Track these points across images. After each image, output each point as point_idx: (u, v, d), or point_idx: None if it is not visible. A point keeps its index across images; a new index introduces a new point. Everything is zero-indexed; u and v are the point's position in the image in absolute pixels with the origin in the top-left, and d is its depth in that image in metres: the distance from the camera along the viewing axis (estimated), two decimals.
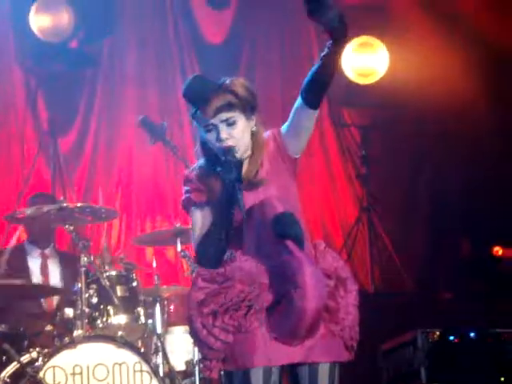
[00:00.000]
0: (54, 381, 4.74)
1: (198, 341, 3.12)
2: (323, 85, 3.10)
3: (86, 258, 5.20)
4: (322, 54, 3.03)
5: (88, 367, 4.83)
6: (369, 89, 7.51)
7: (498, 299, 6.72)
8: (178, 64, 7.58)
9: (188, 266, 5.48)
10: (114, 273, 5.48)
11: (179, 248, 5.47)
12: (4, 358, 4.98)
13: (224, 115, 3.14)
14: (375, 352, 5.96)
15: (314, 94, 3.12)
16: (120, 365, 4.89)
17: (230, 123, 3.14)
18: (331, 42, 2.98)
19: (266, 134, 3.26)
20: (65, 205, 5.21)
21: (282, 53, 7.74)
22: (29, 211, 5.32)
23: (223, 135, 3.12)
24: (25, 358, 4.92)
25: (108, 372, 4.87)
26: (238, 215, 3.12)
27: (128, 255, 6.25)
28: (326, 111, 7.72)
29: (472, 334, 5.38)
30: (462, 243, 7.45)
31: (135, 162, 7.29)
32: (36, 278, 5.82)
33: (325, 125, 7.76)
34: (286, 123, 3.24)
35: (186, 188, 3.24)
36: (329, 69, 3.06)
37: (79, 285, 5.18)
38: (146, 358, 4.99)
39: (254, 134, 3.19)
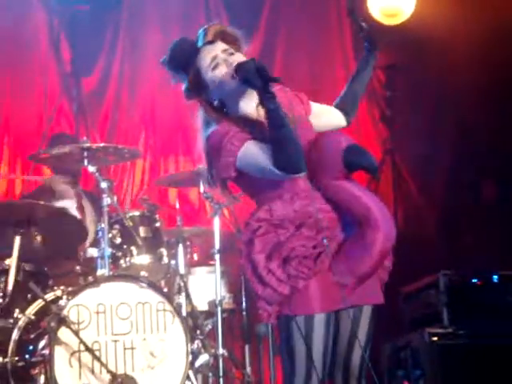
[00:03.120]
0: (78, 319, 4.77)
1: (262, 285, 3.02)
2: (358, 99, 3.37)
3: (109, 199, 5.22)
4: (358, 69, 3.33)
5: (111, 306, 4.85)
6: (394, 29, 7.40)
7: None
8: (203, 3, 7.52)
9: (211, 207, 5.48)
10: (137, 213, 5.52)
11: (202, 189, 5.48)
12: (29, 295, 5.04)
13: (222, 45, 3.11)
14: (396, 294, 5.95)
15: (352, 108, 3.36)
16: (143, 304, 4.92)
17: (231, 52, 3.10)
18: (366, 52, 3.33)
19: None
20: (88, 145, 5.22)
21: None
22: (53, 151, 5.33)
23: (230, 60, 3.07)
24: (49, 296, 4.98)
25: (131, 311, 4.89)
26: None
27: (151, 196, 6.26)
28: (352, 54, 7.62)
29: (495, 277, 5.37)
30: (486, 186, 7.38)
31: (158, 103, 7.25)
32: None
33: (351, 67, 7.67)
34: (317, 105, 3.28)
35: (224, 141, 3.01)
36: (364, 84, 3.36)
37: (102, 225, 5.21)
38: (168, 297, 5.01)
39: None
